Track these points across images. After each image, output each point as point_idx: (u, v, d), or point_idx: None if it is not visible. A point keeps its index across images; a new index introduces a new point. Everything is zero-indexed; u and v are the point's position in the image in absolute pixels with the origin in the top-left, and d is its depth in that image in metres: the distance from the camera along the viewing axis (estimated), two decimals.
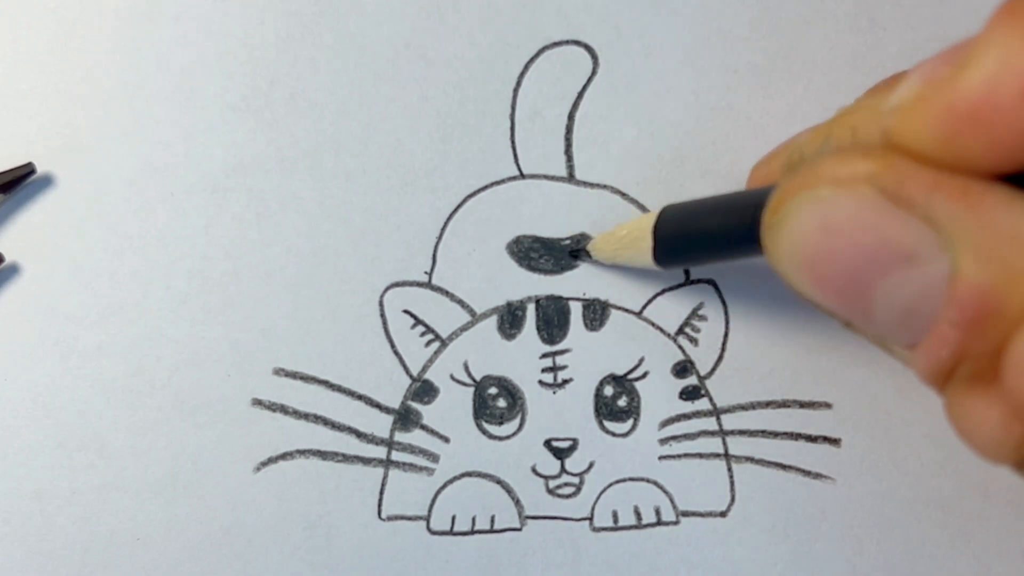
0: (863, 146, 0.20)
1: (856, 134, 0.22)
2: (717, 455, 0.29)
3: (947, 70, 0.18)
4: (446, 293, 0.29)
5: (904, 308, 0.19)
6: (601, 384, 0.29)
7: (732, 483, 0.29)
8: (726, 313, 0.29)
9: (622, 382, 0.29)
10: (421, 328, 0.29)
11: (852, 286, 0.20)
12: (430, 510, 0.29)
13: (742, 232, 0.23)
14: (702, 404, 0.29)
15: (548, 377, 0.29)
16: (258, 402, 0.29)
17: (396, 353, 0.29)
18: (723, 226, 0.24)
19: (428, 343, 0.29)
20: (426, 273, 0.29)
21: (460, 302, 0.29)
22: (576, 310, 0.29)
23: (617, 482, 0.29)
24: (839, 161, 0.19)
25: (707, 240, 0.25)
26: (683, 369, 0.29)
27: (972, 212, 0.17)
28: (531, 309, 0.29)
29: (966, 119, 0.17)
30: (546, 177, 0.29)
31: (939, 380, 0.20)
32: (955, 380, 0.19)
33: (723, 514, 0.29)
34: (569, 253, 0.29)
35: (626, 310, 0.29)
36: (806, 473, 0.29)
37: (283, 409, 0.29)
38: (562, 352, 0.29)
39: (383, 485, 0.29)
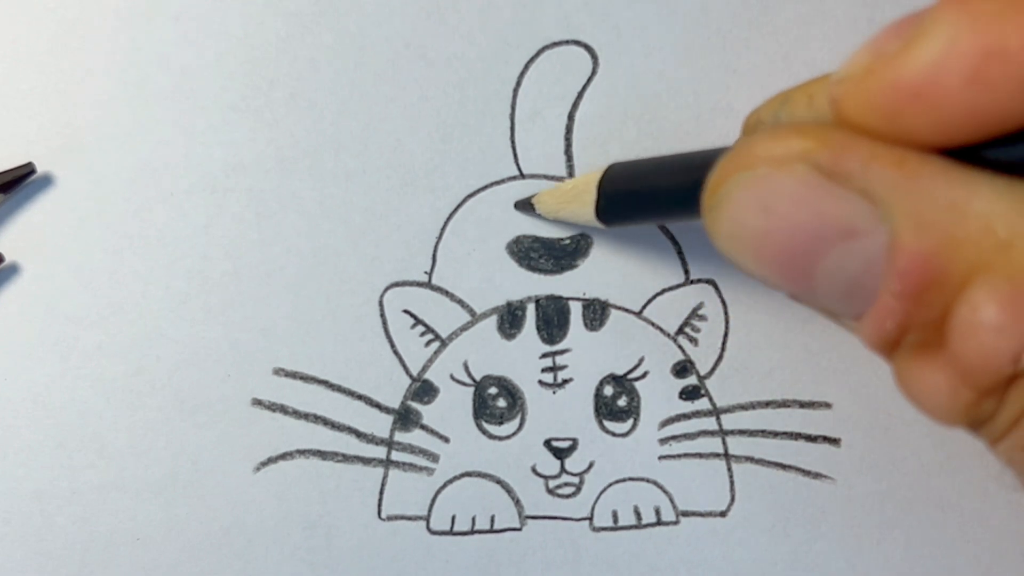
0: (797, 123, 0.20)
1: (812, 100, 0.22)
2: (717, 455, 0.29)
3: (895, 44, 0.18)
4: (446, 293, 0.29)
5: (847, 282, 0.19)
6: (601, 384, 0.29)
7: (732, 483, 0.29)
8: (726, 313, 0.29)
9: (622, 382, 0.29)
10: (421, 328, 0.29)
11: (794, 263, 0.20)
12: (430, 510, 0.29)
13: (684, 195, 0.23)
14: (702, 404, 0.29)
15: (548, 377, 0.29)
16: (258, 402, 0.29)
17: (396, 353, 0.29)
18: (666, 187, 0.24)
19: (428, 343, 0.29)
20: (426, 273, 0.29)
21: (460, 302, 0.29)
22: (576, 310, 0.29)
23: (617, 482, 0.29)
24: (773, 139, 0.19)
25: (650, 199, 0.25)
26: (683, 369, 0.29)
27: (909, 182, 0.17)
28: (531, 309, 0.29)
29: (910, 97, 0.17)
30: (546, 177, 0.29)
31: (886, 349, 0.20)
32: (902, 348, 0.19)
33: (723, 514, 0.29)
34: (515, 205, 0.29)
35: (626, 310, 0.29)
36: (806, 473, 0.29)
37: (283, 409, 0.29)
38: (562, 352, 0.29)
39: (383, 485, 0.29)
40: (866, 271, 0.19)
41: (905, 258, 0.18)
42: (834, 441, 0.29)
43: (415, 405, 0.29)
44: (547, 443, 0.29)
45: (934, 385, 0.19)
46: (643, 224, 0.29)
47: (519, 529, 0.29)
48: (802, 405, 0.29)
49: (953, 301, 0.18)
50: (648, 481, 0.29)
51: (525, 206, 0.29)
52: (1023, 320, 0.17)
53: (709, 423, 0.29)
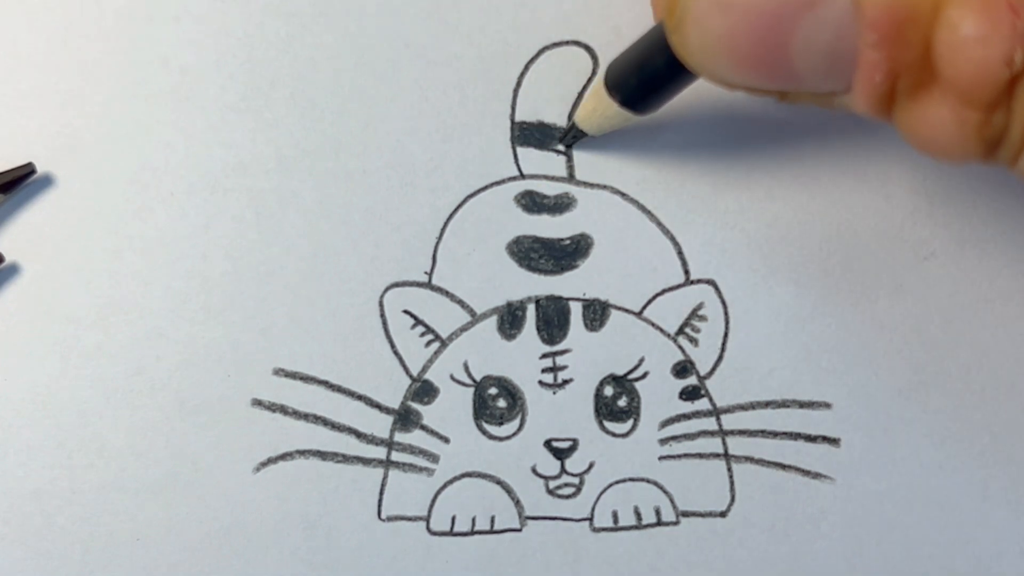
0: None
1: None
2: (717, 455, 0.29)
3: None
4: (446, 293, 0.29)
5: (825, 54, 0.20)
6: (601, 384, 0.29)
7: (732, 483, 0.29)
8: (726, 313, 0.29)
9: (622, 382, 0.29)
10: (421, 328, 0.29)
11: (769, 50, 0.20)
12: (430, 510, 0.29)
13: (665, 42, 0.23)
14: (702, 404, 0.29)
15: (548, 377, 0.29)
16: (258, 402, 0.29)
17: (396, 353, 0.29)
18: (651, 47, 0.25)
19: (428, 343, 0.29)
20: (426, 273, 0.29)
21: (460, 302, 0.29)
22: (576, 310, 0.29)
23: (617, 482, 0.29)
24: None
25: (649, 66, 0.25)
26: (683, 369, 0.29)
27: None
28: (531, 309, 0.29)
29: None
30: (546, 177, 0.29)
31: (884, 107, 0.20)
32: (898, 100, 0.20)
33: (723, 514, 0.29)
34: (561, 140, 0.29)
35: (626, 310, 0.29)
36: (805, 473, 0.29)
37: (283, 409, 0.29)
38: (562, 352, 0.29)
39: (383, 485, 0.29)
40: (839, 37, 0.19)
41: (871, 7, 0.18)
42: (834, 441, 0.29)
43: (415, 405, 0.29)
44: (547, 443, 0.29)
45: (940, 120, 0.19)
46: (668, 97, 0.27)
47: (519, 530, 0.29)
48: (802, 405, 0.29)
49: (931, 31, 0.18)
50: (648, 481, 0.29)
51: (572, 137, 0.29)
52: (1002, 23, 0.18)
53: (709, 423, 0.29)
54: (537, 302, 0.29)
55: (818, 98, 0.22)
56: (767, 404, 0.29)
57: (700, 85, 0.29)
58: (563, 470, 0.29)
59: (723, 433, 0.29)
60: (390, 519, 0.29)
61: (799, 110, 0.29)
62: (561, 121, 0.29)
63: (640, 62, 0.26)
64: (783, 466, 0.29)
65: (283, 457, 0.29)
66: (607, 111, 0.27)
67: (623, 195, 0.29)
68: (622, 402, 0.29)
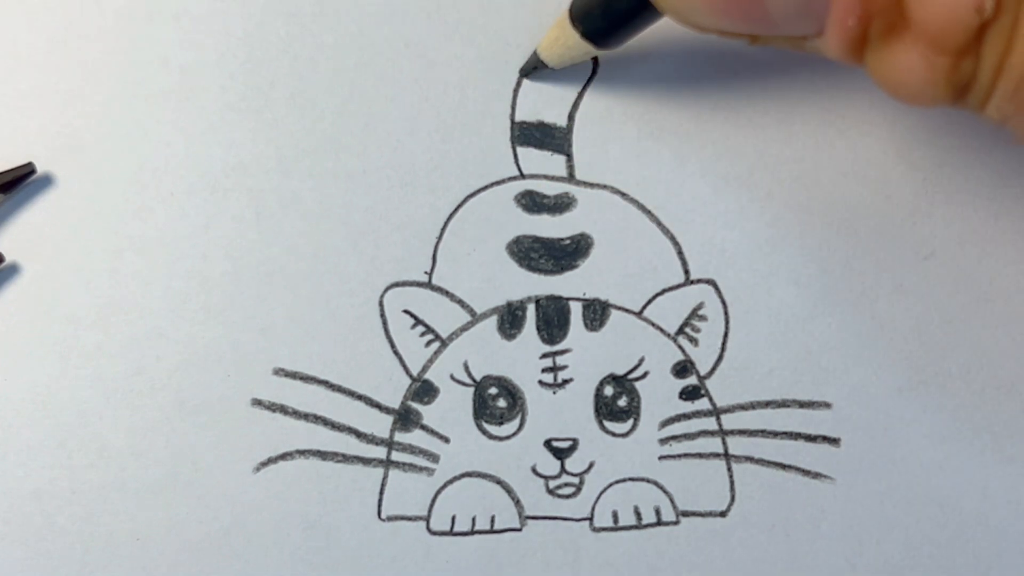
0: None
1: None
2: (717, 455, 0.29)
3: None
4: (446, 293, 0.29)
5: None
6: (601, 384, 0.29)
7: (732, 483, 0.29)
8: (726, 313, 0.29)
9: (622, 382, 0.29)
10: (421, 328, 0.29)
11: None
12: (430, 510, 0.29)
13: None
14: (702, 404, 0.29)
15: (548, 377, 0.29)
16: (258, 402, 0.29)
17: (396, 353, 0.29)
18: None
19: (428, 343, 0.29)
20: (426, 273, 0.29)
21: (460, 302, 0.29)
22: (576, 310, 0.29)
23: (617, 482, 0.29)
24: None
25: (620, 9, 0.25)
26: (683, 369, 0.29)
27: None
28: (531, 309, 0.29)
29: None
30: (546, 177, 0.29)
31: (856, 51, 0.20)
32: (870, 44, 0.20)
33: (723, 514, 0.29)
34: (521, 72, 0.29)
35: (626, 310, 0.29)
36: (806, 473, 0.29)
37: (283, 409, 0.29)
38: (562, 352, 0.29)
39: (383, 485, 0.29)
40: None
41: None
42: (834, 441, 0.29)
43: (415, 405, 0.29)
44: (547, 443, 0.29)
45: (910, 64, 0.19)
46: (631, 34, 0.27)
47: (519, 529, 0.29)
48: (802, 405, 0.29)
49: None
50: (648, 481, 0.29)
51: (532, 67, 0.29)
52: None
53: (709, 423, 0.29)
54: (537, 302, 0.29)
55: (790, 42, 0.22)
56: (767, 404, 0.29)
57: (700, 98, 0.29)
58: (563, 470, 0.29)
59: (723, 433, 0.29)
60: (390, 519, 0.29)
61: (796, 103, 0.29)
62: (561, 121, 0.29)
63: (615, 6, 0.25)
64: (783, 466, 0.29)
65: (283, 457, 0.29)
66: (568, 41, 0.27)
67: (623, 195, 0.29)
68: (622, 402, 0.29)
